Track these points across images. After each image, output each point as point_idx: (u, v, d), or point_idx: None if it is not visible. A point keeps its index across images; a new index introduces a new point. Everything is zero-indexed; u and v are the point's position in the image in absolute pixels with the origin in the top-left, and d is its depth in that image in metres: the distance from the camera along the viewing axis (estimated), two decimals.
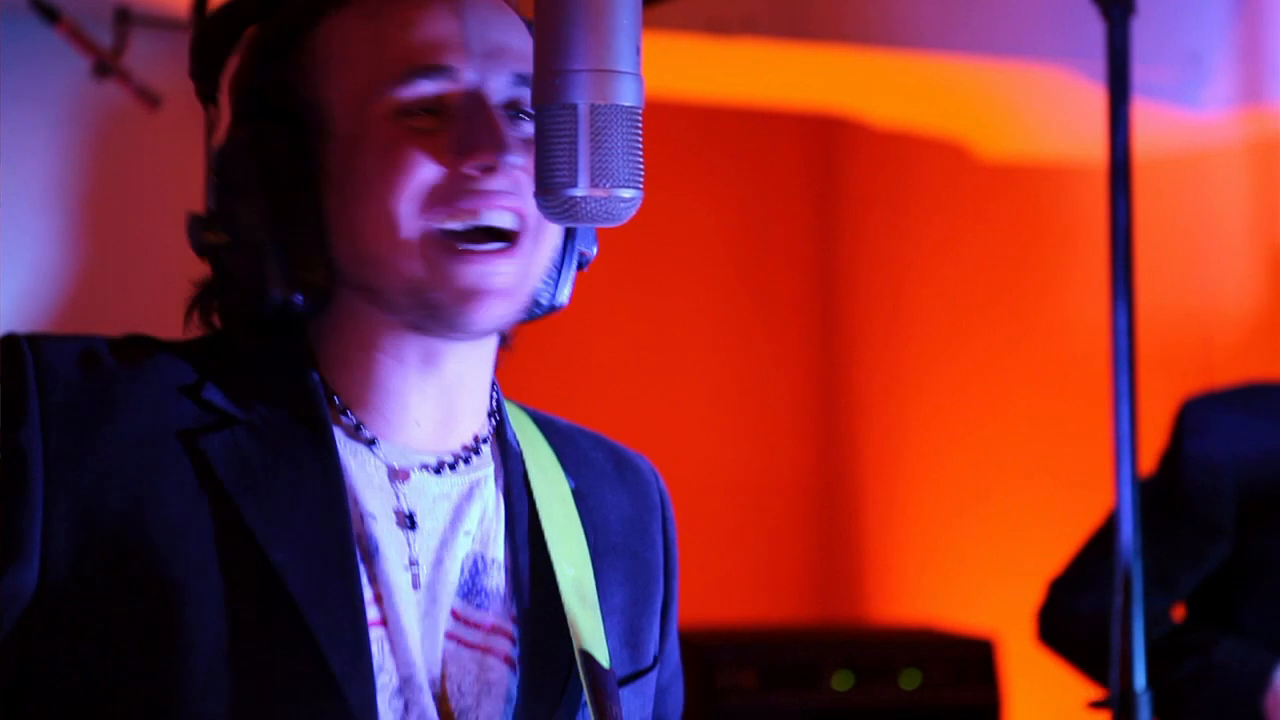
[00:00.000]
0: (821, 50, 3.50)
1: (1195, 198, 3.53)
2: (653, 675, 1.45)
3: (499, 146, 1.32)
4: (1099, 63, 2.11)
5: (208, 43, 1.41)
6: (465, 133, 1.32)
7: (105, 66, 3.24)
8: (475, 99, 1.33)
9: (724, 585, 4.19)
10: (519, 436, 1.44)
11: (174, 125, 3.26)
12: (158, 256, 3.25)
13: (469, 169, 1.32)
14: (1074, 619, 2.56)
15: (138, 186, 3.63)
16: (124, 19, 3.28)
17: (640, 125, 1.26)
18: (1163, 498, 2.55)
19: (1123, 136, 2.09)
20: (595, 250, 1.43)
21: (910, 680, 3.44)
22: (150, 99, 3.27)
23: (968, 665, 3.47)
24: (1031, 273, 3.87)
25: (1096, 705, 2.08)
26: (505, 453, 1.42)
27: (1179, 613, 2.62)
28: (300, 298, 1.34)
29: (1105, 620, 2.22)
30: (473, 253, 1.32)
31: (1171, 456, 2.56)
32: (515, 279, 1.34)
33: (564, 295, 1.42)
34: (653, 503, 1.50)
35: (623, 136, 1.25)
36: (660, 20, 2.94)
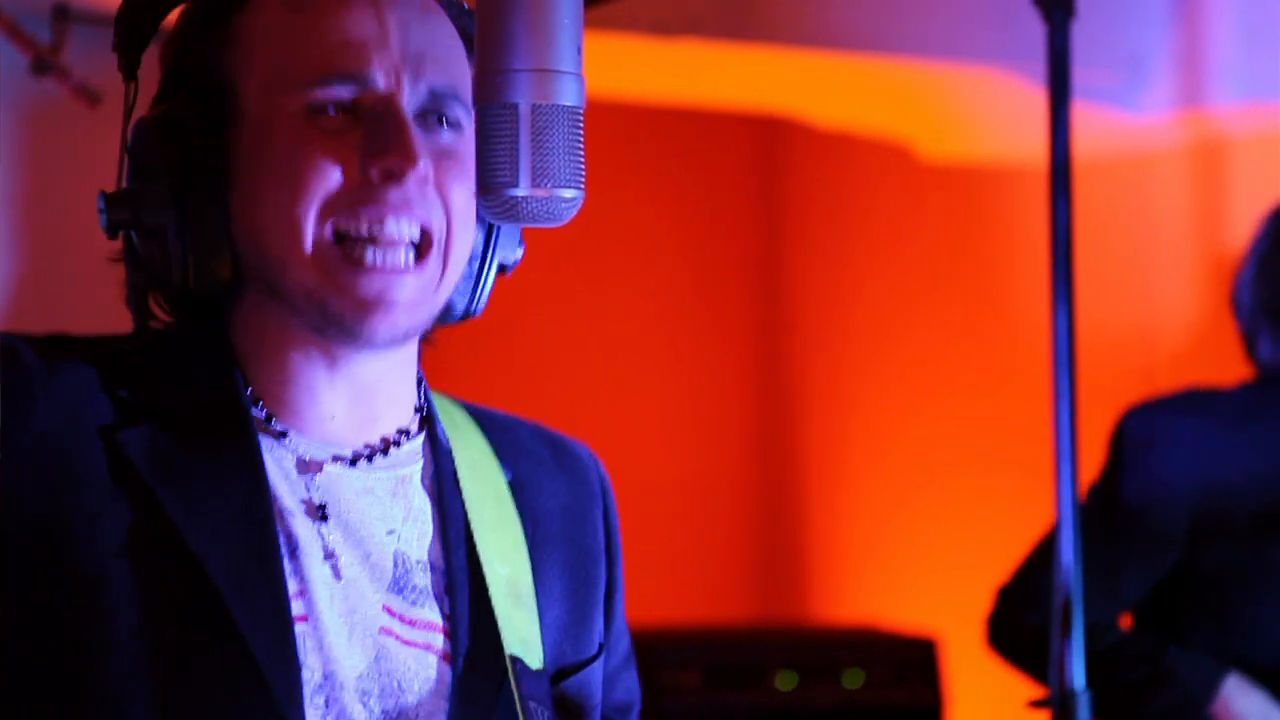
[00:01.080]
0: (765, 51, 3.51)
1: (1135, 200, 3.55)
2: (598, 664, 1.44)
3: (406, 156, 1.31)
4: (1039, 65, 2.11)
5: (133, 16, 1.39)
6: (373, 139, 1.31)
7: (44, 63, 3.21)
8: (387, 105, 1.33)
9: (668, 585, 4.19)
10: (451, 431, 1.42)
11: (115, 122, 3.23)
12: (97, 255, 3.22)
13: (374, 176, 1.31)
14: (1022, 632, 2.55)
15: (77, 184, 3.59)
16: (63, 15, 3.25)
17: (582, 125, 1.26)
18: (1110, 507, 2.54)
19: (1063, 138, 2.10)
20: (520, 254, 1.42)
21: (853, 680, 3.45)
22: (90, 96, 3.24)
23: (910, 665, 3.48)
24: (972, 273, 3.89)
25: (1036, 705, 2.09)
26: (435, 449, 1.41)
27: (1126, 622, 2.63)
28: (200, 284, 1.33)
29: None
30: (375, 263, 1.31)
31: (1118, 466, 2.55)
32: (419, 293, 1.33)
33: (481, 302, 1.41)
34: (593, 489, 1.49)
35: (564, 136, 1.25)
36: (604, 20, 2.93)
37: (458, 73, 1.36)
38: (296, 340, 1.35)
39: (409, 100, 1.34)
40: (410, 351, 1.40)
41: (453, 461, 1.41)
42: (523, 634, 1.38)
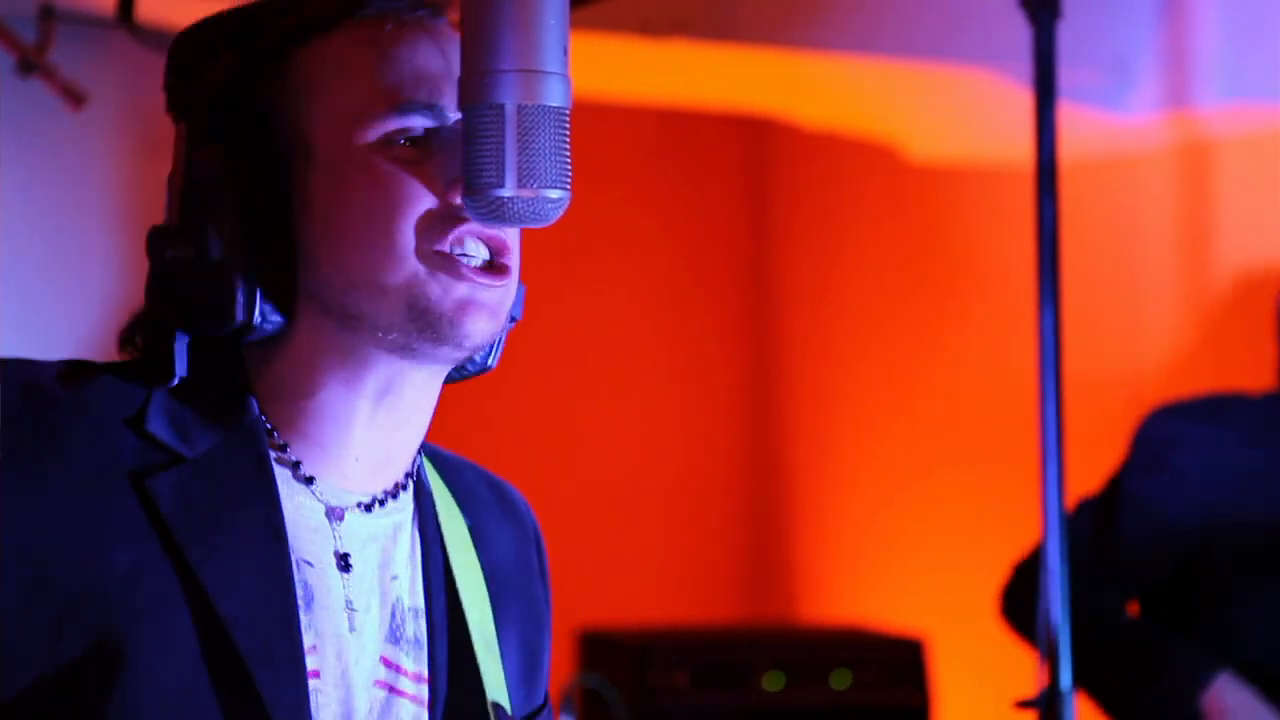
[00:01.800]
0: (752, 52, 3.51)
1: (1121, 201, 3.55)
2: (546, 713, 1.46)
3: None
4: (1026, 65, 2.12)
5: (185, 56, 1.39)
6: (453, 164, 1.32)
7: (29, 64, 3.21)
8: (459, 132, 1.33)
9: (656, 585, 4.19)
10: (428, 474, 1.43)
11: (99, 123, 3.23)
12: (82, 255, 3.22)
13: (458, 199, 1.32)
14: (1030, 607, 2.57)
15: (62, 185, 3.59)
16: (48, 15, 3.25)
17: (568, 126, 1.26)
18: (1127, 502, 2.56)
19: (1049, 139, 2.11)
20: (520, 314, 1.44)
21: (841, 680, 3.45)
22: (76, 97, 3.24)
23: (898, 665, 3.49)
24: (959, 273, 3.89)
25: (1023, 705, 2.09)
26: (420, 493, 1.41)
27: (1134, 610, 2.65)
28: (263, 320, 1.33)
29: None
30: (471, 269, 1.33)
31: (1137, 463, 2.57)
32: (501, 298, 1.36)
33: (495, 358, 1.44)
34: (528, 534, 1.50)
35: (550, 137, 1.25)
36: (592, 21, 2.93)
37: None
38: (349, 371, 1.35)
39: None
40: (439, 387, 1.41)
41: (433, 503, 1.42)
42: (497, 682, 1.39)
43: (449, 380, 1.42)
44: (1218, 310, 3.39)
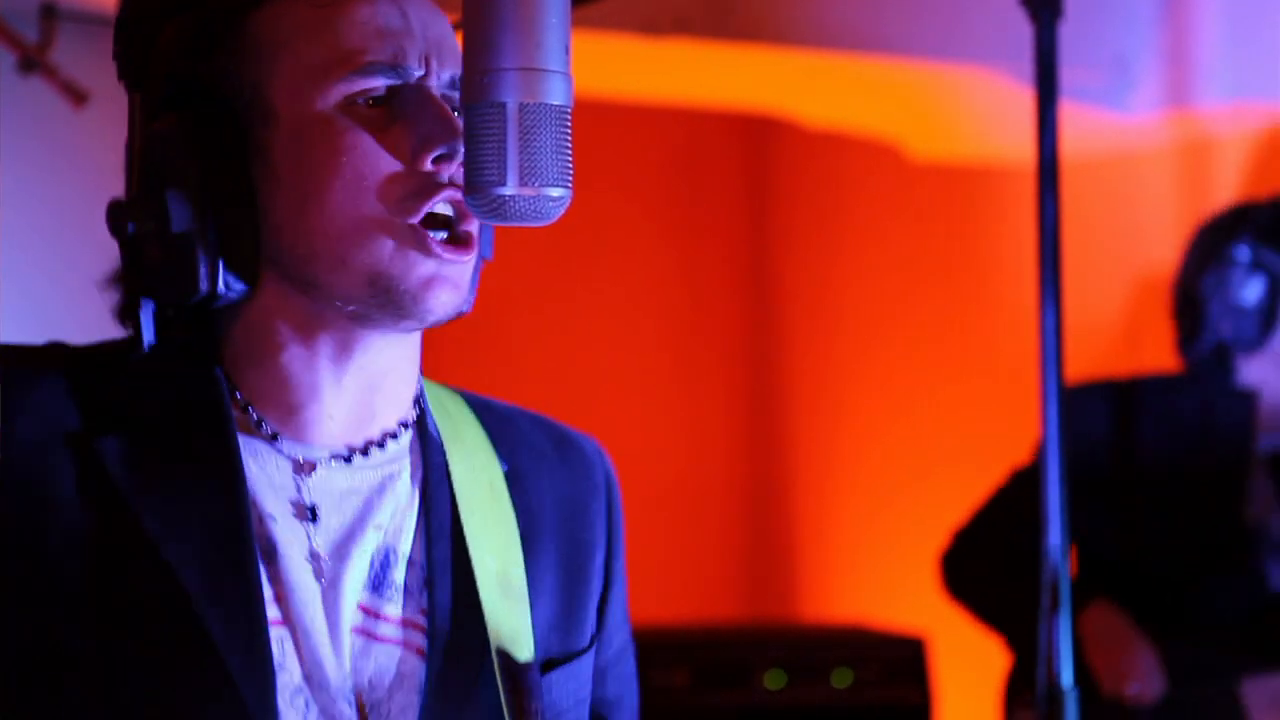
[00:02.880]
0: (753, 50, 3.51)
1: (1122, 199, 3.56)
2: (588, 657, 1.44)
3: (454, 135, 1.32)
4: (1027, 65, 2.12)
5: (135, 25, 1.38)
6: (419, 125, 1.32)
7: (31, 62, 3.21)
8: (423, 93, 1.33)
9: (656, 584, 4.19)
10: (444, 423, 1.43)
11: (101, 121, 3.23)
12: (84, 254, 3.21)
13: (428, 163, 1.32)
14: (969, 577, 2.89)
15: (64, 183, 3.59)
16: (50, 14, 3.25)
17: (569, 124, 1.26)
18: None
19: (1050, 138, 2.11)
20: (491, 254, 1.43)
21: (842, 679, 3.45)
22: (77, 95, 3.24)
23: (899, 664, 3.48)
24: (960, 272, 3.89)
25: (1024, 703, 2.09)
26: (425, 443, 1.41)
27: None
28: (227, 289, 1.33)
29: (996, 581, 2.75)
30: (439, 244, 1.32)
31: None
32: (465, 272, 1.34)
33: (469, 301, 1.41)
34: (595, 483, 1.49)
35: (552, 135, 1.25)
36: (593, 20, 2.93)
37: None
38: (310, 336, 1.35)
39: (436, 87, 1.35)
40: (417, 342, 1.41)
41: (443, 454, 1.41)
42: (512, 626, 1.37)
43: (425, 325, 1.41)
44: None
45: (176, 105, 1.35)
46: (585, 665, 1.44)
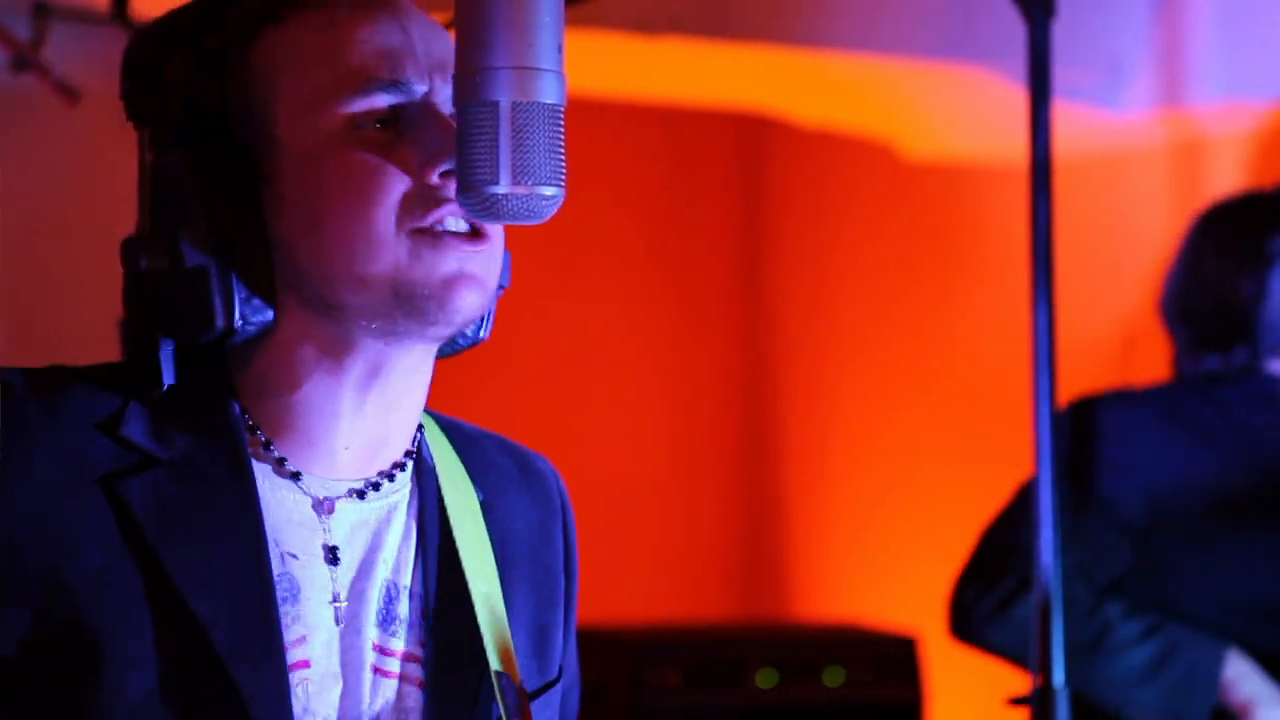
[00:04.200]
0: (747, 50, 3.51)
1: (1115, 198, 3.56)
2: (560, 685, 1.44)
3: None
4: (1020, 64, 2.12)
5: (140, 61, 1.38)
6: (426, 143, 1.31)
7: (23, 60, 3.20)
8: (428, 109, 1.33)
9: (648, 584, 4.19)
10: (432, 449, 1.42)
11: (94, 120, 3.22)
12: (78, 253, 3.21)
13: (435, 177, 1.31)
14: (984, 624, 2.60)
15: (57, 182, 3.59)
16: (43, 12, 3.24)
17: (562, 123, 1.26)
18: (1078, 496, 2.57)
19: (1043, 137, 2.11)
20: (509, 281, 1.43)
21: (834, 678, 3.45)
22: (70, 93, 3.23)
23: (890, 663, 3.49)
24: (954, 271, 3.89)
25: (1016, 701, 2.09)
26: (420, 470, 1.40)
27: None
28: (244, 323, 1.32)
29: (1013, 619, 2.45)
30: (452, 235, 1.31)
31: (1083, 456, 2.59)
32: (485, 268, 1.33)
33: (487, 329, 1.42)
34: (554, 506, 1.49)
35: (544, 134, 1.25)
36: (586, 19, 2.93)
37: None
38: (334, 360, 1.34)
39: (442, 102, 1.34)
40: (430, 365, 1.39)
41: (436, 480, 1.41)
42: (504, 650, 1.37)
43: (441, 355, 1.41)
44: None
45: (183, 139, 1.34)
46: (557, 694, 1.44)
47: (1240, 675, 2.47)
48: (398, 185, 1.31)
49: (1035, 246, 2.11)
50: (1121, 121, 3.42)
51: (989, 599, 2.59)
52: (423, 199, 1.31)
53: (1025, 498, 2.61)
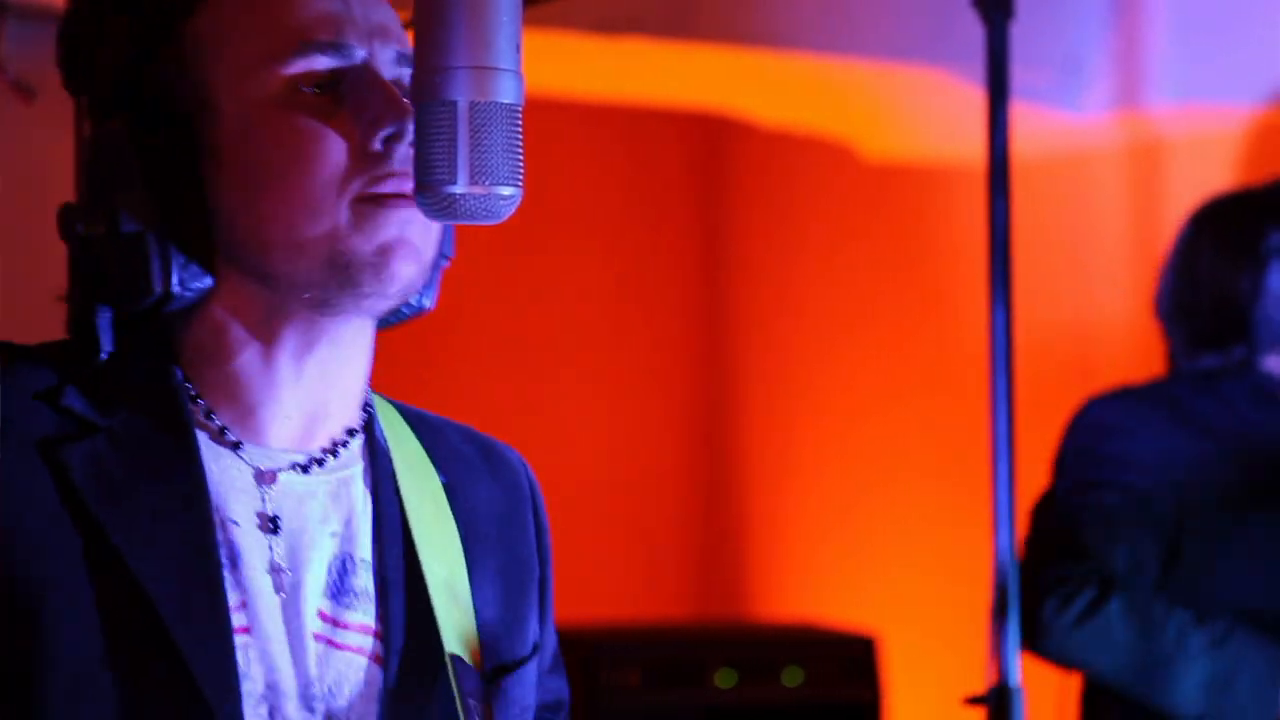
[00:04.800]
0: (706, 50, 3.51)
1: (1073, 199, 3.57)
2: (532, 664, 1.44)
3: (401, 114, 1.31)
4: (978, 65, 2.13)
5: (78, 29, 1.38)
6: (366, 107, 1.31)
7: None
8: (368, 73, 1.33)
9: (607, 583, 4.19)
10: (387, 433, 1.42)
11: (51, 118, 3.20)
12: (32, 251, 3.19)
13: (377, 143, 1.30)
14: (1065, 637, 2.54)
15: (13, 181, 3.57)
16: None
17: (520, 123, 1.26)
18: (1118, 496, 2.56)
19: (1001, 138, 2.12)
20: (452, 250, 1.42)
21: (792, 678, 3.46)
22: (27, 92, 3.21)
23: (849, 663, 3.49)
24: (913, 271, 3.91)
25: (973, 701, 2.10)
26: (374, 451, 1.40)
27: None
28: (183, 288, 1.32)
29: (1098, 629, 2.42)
30: (395, 197, 1.30)
31: (1101, 457, 2.59)
32: (424, 237, 1.33)
33: (431, 297, 1.41)
34: (523, 494, 1.49)
35: (502, 134, 1.24)
36: (546, 19, 2.93)
37: (408, 44, 1.36)
38: (270, 330, 1.34)
39: (383, 67, 1.34)
40: (370, 336, 1.39)
41: (390, 461, 1.41)
42: (461, 632, 1.38)
43: (385, 325, 1.40)
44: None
45: (122, 107, 1.34)
46: (530, 673, 1.44)
47: None
48: (338, 151, 1.30)
49: (993, 246, 2.12)
50: (1079, 123, 3.43)
51: (1070, 611, 2.53)
52: (365, 166, 1.30)
53: (1074, 501, 2.58)
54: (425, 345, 3.79)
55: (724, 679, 3.43)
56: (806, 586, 4.13)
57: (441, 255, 1.39)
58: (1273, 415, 2.59)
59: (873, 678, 3.47)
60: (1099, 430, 2.60)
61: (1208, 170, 3.38)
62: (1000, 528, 2.07)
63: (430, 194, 1.25)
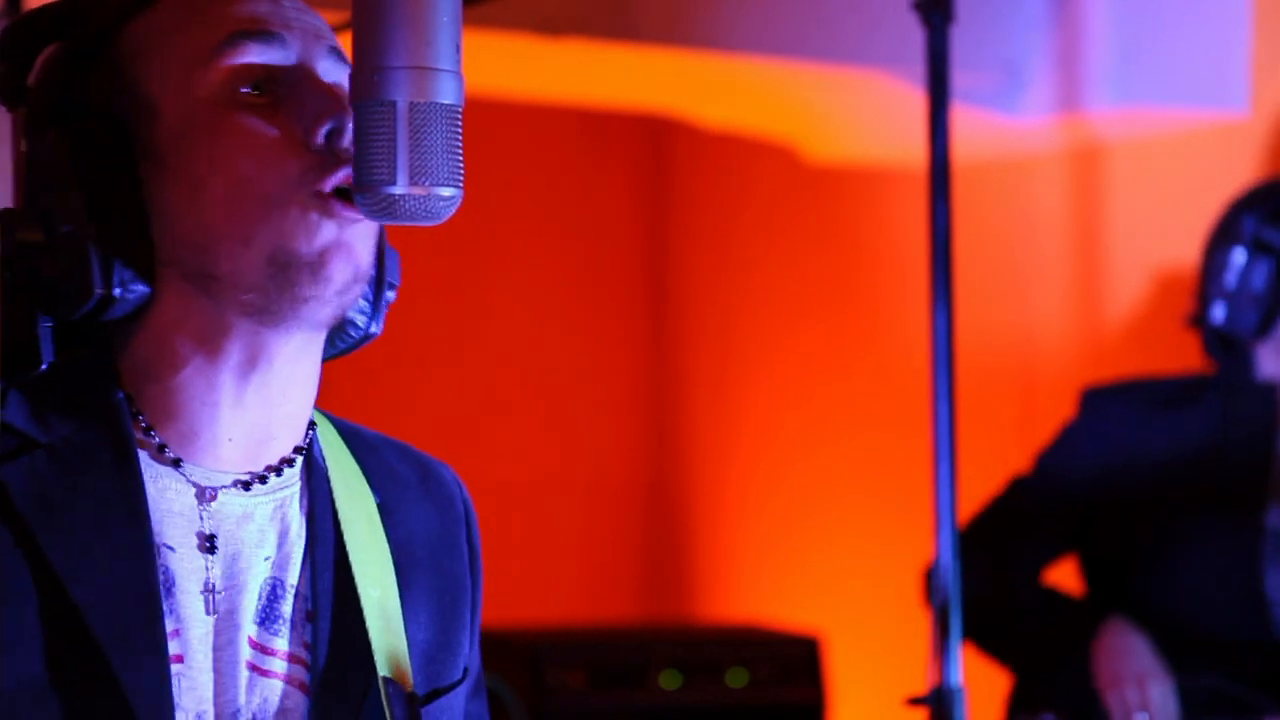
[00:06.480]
0: (650, 52, 3.51)
1: (1014, 203, 3.59)
2: (462, 688, 1.43)
3: (341, 108, 1.30)
4: (919, 68, 2.14)
5: (15, 46, 1.37)
6: (304, 103, 1.31)
7: None
8: (304, 72, 1.32)
9: (551, 584, 4.18)
10: (325, 452, 1.41)
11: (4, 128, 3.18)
12: None
13: (319, 138, 1.30)
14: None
15: None
16: None
17: (460, 123, 1.26)
18: (1038, 476, 2.67)
19: (942, 141, 2.13)
20: (399, 279, 1.41)
21: (737, 679, 3.46)
22: None
23: (793, 664, 3.50)
24: (856, 273, 3.92)
25: (915, 702, 2.11)
26: (311, 470, 1.39)
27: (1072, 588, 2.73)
28: (124, 290, 1.30)
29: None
30: (337, 199, 1.29)
31: (1053, 439, 2.70)
32: (363, 240, 1.32)
33: (378, 324, 1.40)
34: (458, 514, 1.47)
35: (442, 134, 1.24)
36: (490, 19, 2.92)
37: (343, 49, 1.36)
38: (212, 344, 1.32)
39: (320, 67, 1.34)
40: (317, 355, 1.38)
41: (328, 481, 1.39)
42: (393, 656, 1.36)
43: (335, 354, 1.39)
44: (1108, 310, 3.43)
45: (58, 118, 1.33)
46: (459, 696, 1.43)
47: (1116, 629, 2.54)
48: (281, 146, 1.30)
49: (934, 249, 2.13)
50: (1019, 126, 3.45)
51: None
52: (310, 160, 1.30)
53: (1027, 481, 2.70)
54: (369, 347, 3.78)
55: (669, 680, 3.43)
56: (750, 588, 4.14)
57: (388, 284, 1.38)
58: (1247, 428, 2.61)
59: (816, 678, 3.47)
60: (1076, 422, 2.69)
61: (1147, 174, 3.40)
62: (942, 529, 2.08)
63: (370, 194, 1.25)
